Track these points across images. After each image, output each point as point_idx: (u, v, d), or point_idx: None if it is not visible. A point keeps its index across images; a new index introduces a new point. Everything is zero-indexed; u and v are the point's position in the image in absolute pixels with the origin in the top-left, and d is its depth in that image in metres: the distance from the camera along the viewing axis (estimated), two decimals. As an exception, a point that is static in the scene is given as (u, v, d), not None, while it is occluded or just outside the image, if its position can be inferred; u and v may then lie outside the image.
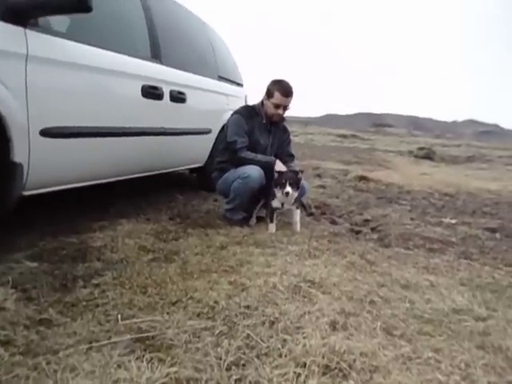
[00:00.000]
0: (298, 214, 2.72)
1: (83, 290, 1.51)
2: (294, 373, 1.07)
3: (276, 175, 2.55)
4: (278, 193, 2.53)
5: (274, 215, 2.66)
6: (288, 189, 2.45)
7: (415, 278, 1.90)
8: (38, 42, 1.71)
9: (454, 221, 3.42)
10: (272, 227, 2.63)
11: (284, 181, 2.48)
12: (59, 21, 1.89)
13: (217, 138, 3.61)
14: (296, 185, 2.53)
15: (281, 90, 2.73)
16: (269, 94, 2.77)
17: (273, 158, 2.77)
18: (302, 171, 2.66)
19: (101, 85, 2.13)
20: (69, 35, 1.94)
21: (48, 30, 1.79)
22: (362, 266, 2.02)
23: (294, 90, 2.79)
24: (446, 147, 17.27)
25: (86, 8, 1.70)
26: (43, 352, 1.09)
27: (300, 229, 2.69)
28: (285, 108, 2.80)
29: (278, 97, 2.73)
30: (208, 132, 3.49)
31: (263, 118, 2.81)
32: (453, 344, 1.30)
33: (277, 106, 2.76)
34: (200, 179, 3.86)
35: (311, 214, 3.26)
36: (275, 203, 2.61)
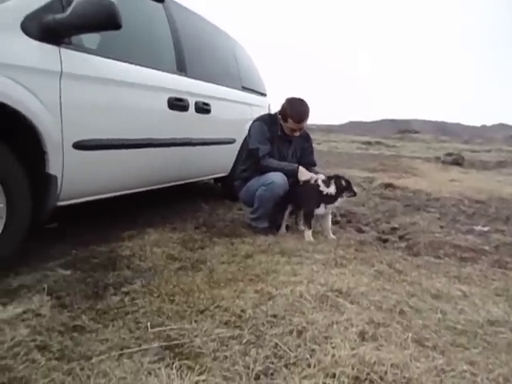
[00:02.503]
0: (329, 220, 2.75)
1: (114, 298, 1.55)
2: (324, 383, 1.05)
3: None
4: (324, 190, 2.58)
5: (313, 222, 2.67)
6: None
7: (446, 288, 1.84)
8: (71, 60, 1.80)
9: (486, 228, 3.30)
10: (309, 234, 2.61)
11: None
12: (90, 38, 1.99)
13: (241, 148, 3.65)
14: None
15: (294, 116, 2.69)
16: (283, 117, 2.74)
17: (296, 165, 2.76)
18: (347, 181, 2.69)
19: (129, 98, 2.20)
20: (99, 52, 2.02)
21: (80, 48, 1.88)
22: (391, 275, 1.98)
23: (308, 109, 2.74)
24: (476, 152, 16.73)
25: (116, 25, 1.78)
26: (77, 358, 1.12)
27: (333, 234, 2.73)
28: (301, 129, 2.80)
29: (291, 123, 2.71)
30: (232, 142, 3.53)
31: (279, 130, 2.80)
32: (489, 357, 1.25)
33: (292, 131, 2.76)
34: (225, 188, 3.90)
35: (337, 223, 3.23)
36: (320, 210, 2.63)
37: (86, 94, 1.92)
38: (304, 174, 2.69)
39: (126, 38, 2.25)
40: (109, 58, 2.07)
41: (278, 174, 2.65)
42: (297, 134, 2.80)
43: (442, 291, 1.80)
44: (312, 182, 2.63)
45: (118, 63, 2.13)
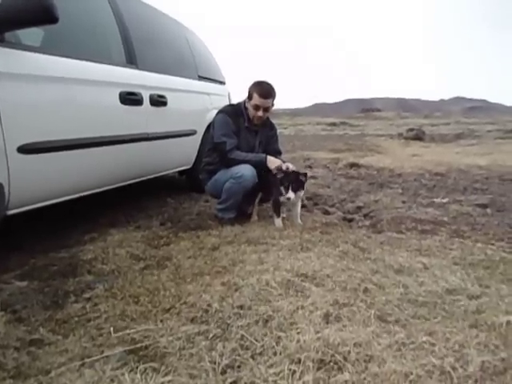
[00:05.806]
0: (299, 206, 2.77)
1: (75, 306, 1.50)
2: (289, 370, 1.06)
3: (281, 175, 2.55)
4: (284, 192, 2.53)
5: (281, 209, 2.68)
6: (290, 194, 2.47)
7: (408, 262, 1.90)
8: (5, 58, 1.67)
9: (445, 200, 3.43)
10: (279, 222, 2.64)
11: (288, 184, 2.49)
12: (28, 34, 1.86)
13: (203, 139, 3.59)
14: (301, 187, 2.58)
15: (259, 91, 2.70)
16: (249, 95, 2.76)
17: (263, 155, 2.75)
18: (306, 174, 2.66)
19: (77, 96, 2.09)
20: (39, 48, 1.90)
21: (16, 45, 1.75)
22: (355, 254, 2.02)
23: (274, 91, 2.76)
24: (435, 126, 17.31)
25: (52, 19, 1.67)
26: (34, 373, 1.08)
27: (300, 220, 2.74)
28: (265, 109, 2.76)
29: (256, 98, 2.70)
30: (193, 133, 3.46)
31: (245, 120, 2.78)
32: (447, 325, 1.30)
33: (256, 108, 2.73)
34: (189, 181, 3.84)
35: (304, 206, 3.26)
36: (283, 198, 2.60)
37: (28, 94, 1.80)
38: (273, 162, 2.68)
39: (68, 32, 2.14)
40: (51, 54, 1.94)
41: (247, 166, 2.63)
42: (260, 113, 2.74)
43: (404, 265, 1.86)
44: (283, 168, 2.61)
45: (62, 59, 2.01)
